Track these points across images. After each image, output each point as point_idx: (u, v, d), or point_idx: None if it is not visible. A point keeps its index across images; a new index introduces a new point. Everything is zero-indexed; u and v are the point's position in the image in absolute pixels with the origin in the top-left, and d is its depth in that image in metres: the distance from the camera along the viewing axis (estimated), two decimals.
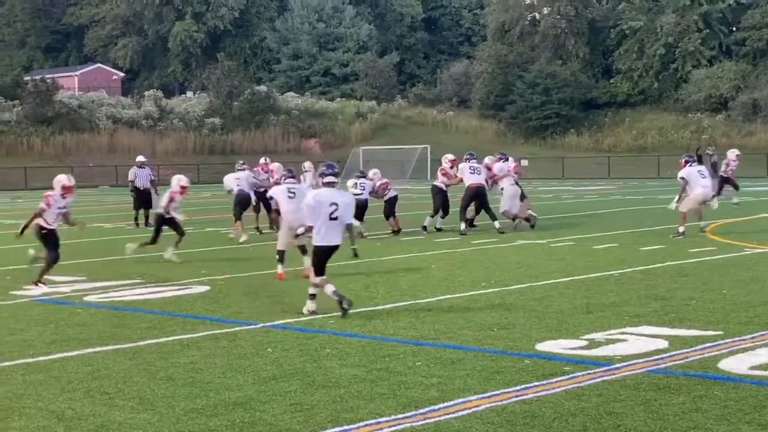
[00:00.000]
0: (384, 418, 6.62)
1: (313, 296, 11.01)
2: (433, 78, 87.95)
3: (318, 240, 11.01)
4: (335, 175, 11.27)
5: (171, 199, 17.27)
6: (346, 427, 6.46)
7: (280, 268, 14.30)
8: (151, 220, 24.61)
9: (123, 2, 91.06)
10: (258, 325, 10.36)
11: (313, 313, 10.88)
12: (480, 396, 7.14)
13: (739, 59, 72.60)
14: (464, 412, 6.75)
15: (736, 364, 7.97)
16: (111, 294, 13.05)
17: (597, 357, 8.41)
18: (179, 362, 8.63)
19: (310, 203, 11.01)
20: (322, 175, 11.33)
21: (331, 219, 10.89)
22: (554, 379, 7.59)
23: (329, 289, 10.83)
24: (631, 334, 9.37)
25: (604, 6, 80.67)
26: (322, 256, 11.05)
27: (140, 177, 25.76)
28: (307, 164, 24.42)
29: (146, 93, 78.06)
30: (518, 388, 7.36)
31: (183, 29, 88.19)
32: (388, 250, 18.08)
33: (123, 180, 27.83)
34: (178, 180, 17.53)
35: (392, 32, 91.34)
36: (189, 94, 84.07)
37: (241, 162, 23.30)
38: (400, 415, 6.68)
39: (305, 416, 6.76)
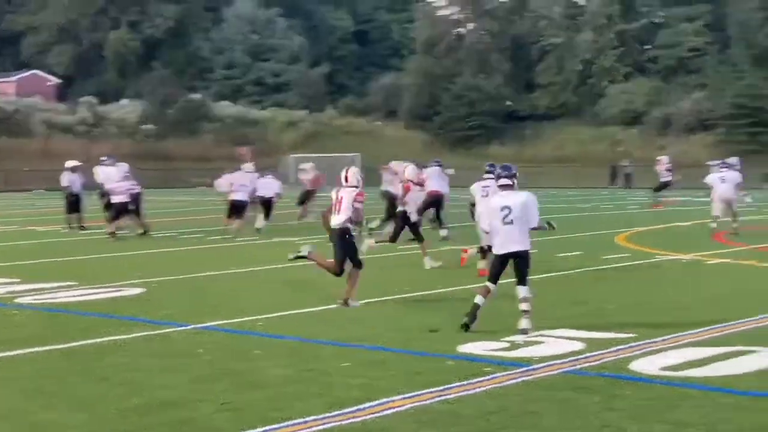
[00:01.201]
0: (312, 417, 6.60)
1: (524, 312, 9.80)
2: (362, 89, 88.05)
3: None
4: (510, 177, 10.09)
5: None
6: (275, 426, 6.43)
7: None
8: (85, 224, 24.42)
9: (59, 10, 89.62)
10: (190, 327, 10.27)
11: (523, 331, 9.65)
12: (404, 396, 7.15)
13: (652, 76, 73.91)
14: (389, 412, 6.76)
15: (648, 365, 8.10)
16: (45, 296, 12.81)
17: (517, 358, 8.48)
18: (113, 363, 8.52)
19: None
20: (497, 177, 10.24)
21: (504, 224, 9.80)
22: (475, 380, 7.64)
23: None
24: (550, 336, 9.47)
25: (527, 23, 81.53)
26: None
27: (74, 182, 25.37)
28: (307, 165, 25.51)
29: (81, 99, 76.89)
30: (441, 388, 7.39)
31: (118, 37, 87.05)
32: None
33: (57, 184, 27.41)
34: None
35: (324, 44, 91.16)
36: (125, 101, 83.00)
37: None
38: (327, 414, 6.67)
39: (235, 415, 6.72)
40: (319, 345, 9.24)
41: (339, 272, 11.83)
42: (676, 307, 11.27)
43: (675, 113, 68.47)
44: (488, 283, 10.03)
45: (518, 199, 9.88)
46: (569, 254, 17.46)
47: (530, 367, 8.08)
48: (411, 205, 16.32)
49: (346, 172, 12.46)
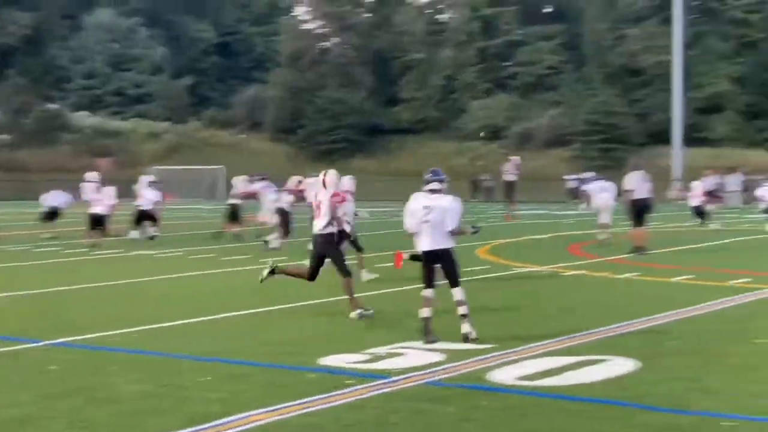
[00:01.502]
0: None
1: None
2: (226, 101, 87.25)
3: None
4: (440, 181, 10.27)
5: None
6: None
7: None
8: None
9: None
10: (41, 343, 9.93)
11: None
12: (265, 410, 7.08)
13: (512, 92, 75.61)
14: (249, 426, 6.68)
15: (504, 375, 8.23)
16: None
17: (378, 370, 8.50)
18: None
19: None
20: (426, 181, 10.28)
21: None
22: (336, 392, 7.62)
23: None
24: (411, 348, 9.53)
25: (390, 38, 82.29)
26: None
27: None
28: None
29: None
30: (302, 401, 7.34)
31: None
32: (180, 267, 17.72)
33: None
34: None
35: (186, 55, 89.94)
36: None
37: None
38: (184, 430, 6.54)
39: None
40: (179, 360, 9.08)
41: (312, 278, 11.85)
42: (533, 318, 11.51)
43: (533, 128, 70.20)
44: (423, 293, 10.14)
45: (441, 202, 10.12)
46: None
47: (390, 379, 8.11)
48: (348, 217, 16.09)
49: (324, 175, 12.25)
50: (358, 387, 7.82)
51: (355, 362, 8.87)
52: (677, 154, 55.34)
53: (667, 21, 64.99)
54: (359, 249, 15.82)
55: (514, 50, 76.75)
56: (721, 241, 23.54)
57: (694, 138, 63.88)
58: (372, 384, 7.93)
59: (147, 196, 25.04)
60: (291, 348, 9.60)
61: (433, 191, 10.22)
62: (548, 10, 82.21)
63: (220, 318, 11.59)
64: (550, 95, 73.56)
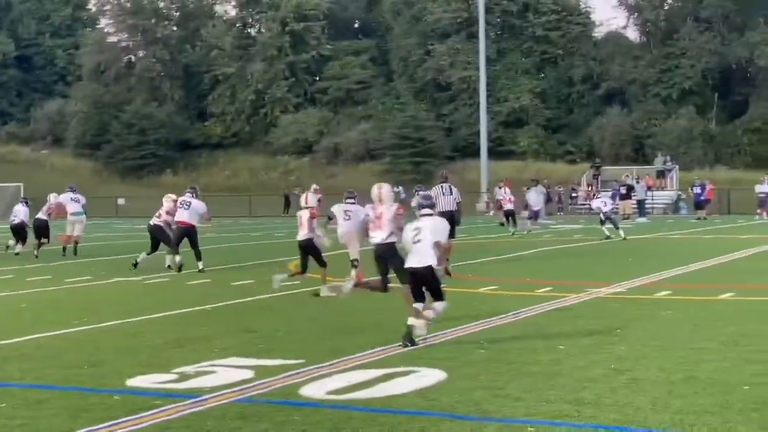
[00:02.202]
0: None
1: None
2: (26, 116, 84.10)
3: None
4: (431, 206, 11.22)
5: None
6: None
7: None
8: None
9: None
10: None
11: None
12: None
13: (322, 106, 76.14)
14: None
15: (315, 390, 8.26)
16: None
17: (186, 389, 8.38)
18: None
19: None
20: (420, 206, 11.11)
21: None
22: (143, 414, 7.46)
23: None
24: (220, 365, 9.44)
25: (199, 52, 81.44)
26: None
27: None
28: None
29: None
30: (107, 424, 7.15)
31: None
32: None
33: None
34: None
35: None
36: None
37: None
38: None
39: None
40: None
41: (386, 286, 13.08)
42: (343, 331, 11.59)
43: (343, 143, 70.88)
44: (414, 305, 10.66)
45: (430, 223, 10.93)
46: (242, 283, 17.56)
47: (200, 398, 8.00)
48: (318, 231, 16.19)
49: (379, 190, 13.08)
50: (167, 407, 7.68)
51: (162, 382, 8.71)
52: (484, 166, 57.01)
53: (471, 37, 67.09)
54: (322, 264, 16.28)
55: (324, 65, 77.37)
56: (525, 252, 24.40)
57: (499, 151, 66.10)
58: (181, 404, 7.80)
59: None
60: (95, 370, 9.33)
61: (425, 216, 11.04)
62: (357, 25, 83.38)
63: (21, 341, 11.14)
64: (359, 110, 74.51)
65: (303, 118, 73.96)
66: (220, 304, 14.52)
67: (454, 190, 20.87)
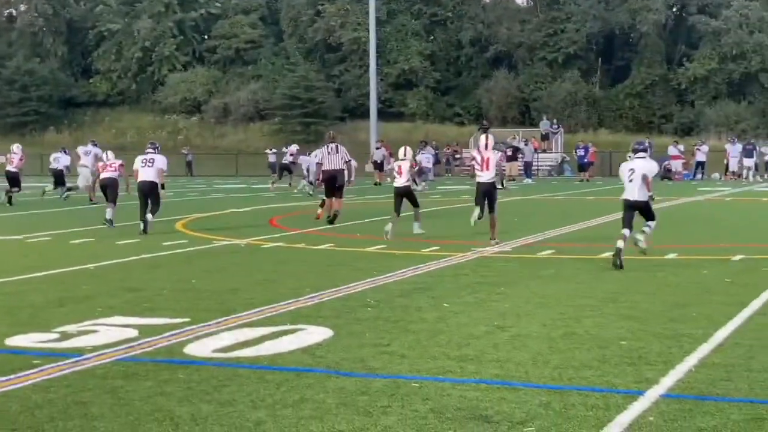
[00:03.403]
0: None
1: None
2: None
3: None
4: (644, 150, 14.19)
5: None
6: None
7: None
8: None
9: None
10: None
11: None
12: None
13: (211, 65, 75.02)
14: None
15: (201, 348, 8.20)
16: None
17: (68, 349, 8.21)
18: None
19: None
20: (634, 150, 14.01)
21: None
22: (22, 373, 7.29)
23: None
24: (103, 324, 9.28)
25: (83, 7, 79.26)
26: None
27: None
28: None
29: None
30: None
31: None
32: None
33: None
34: None
35: None
36: None
37: None
38: None
39: None
40: None
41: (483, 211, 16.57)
42: (230, 290, 11.51)
43: (233, 102, 70.04)
44: (624, 230, 13.23)
45: (641, 164, 13.57)
46: (127, 242, 17.28)
47: (82, 357, 7.86)
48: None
49: (487, 139, 16.99)
50: (47, 366, 7.52)
51: (43, 341, 8.52)
52: (373, 128, 57.08)
53: None
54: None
55: (213, 23, 76.17)
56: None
57: (388, 113, 66.25)
58: (62, 363, 7.65)
59: None
60: None
61: (639, 157, 13.74)
62: None
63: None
64: (249, 69, 73.67)
65: (192, 77, 72.78)
66: (105, 263, 14.25)
67: (341, 149, 21.11)
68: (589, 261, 14.17)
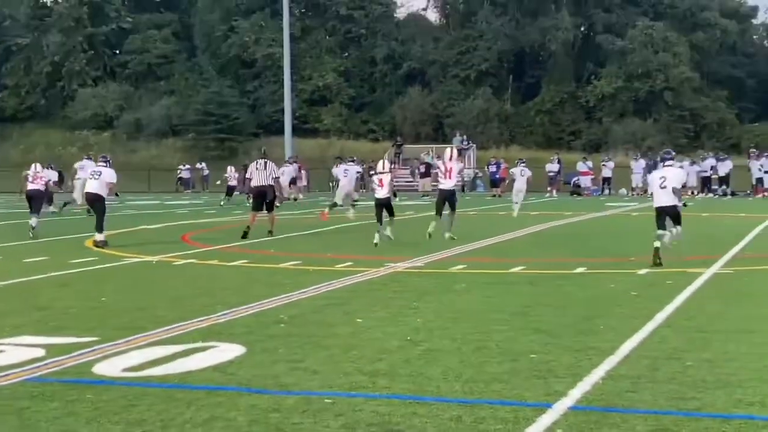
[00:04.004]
0: None
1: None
2: None
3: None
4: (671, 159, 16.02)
5: None
6: None
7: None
8: None
9: None
10: None
11: None
12: None
13: (123, 81, 74.07)
14: None
15: (110, 368, 8.04)
16: None
17: None
18: None
19: None
20: (662, 159, 15.99)
21: None
22: None
23: None
24: (10, 344, 9.06)
25: None
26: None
27: None
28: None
29: None
30: None
31: None
32: None
33: None
34: None
35: None
36: None
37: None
38: None
39: None
40: None
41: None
42: (141, 308, 11.33)
43: (145, 118, 69.26)
44: (658, 231, 15.09)
45: (671, 172, 15.35)
46: (35, 259, 16.92)
47: None
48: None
49: (452, 151, 20.07)
50: None
51: None
52: (288, 144, 56.93)
53: (276, 14, 66.74)
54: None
55: (124, 38, 75.28)
56: (329, 227, 24.57)
57: (303, 129, 66.20)
58: None
59: None
60: None
61: (667, 166, 15.54)
62: None
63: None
64: (162, 85, 72.95)
65: (103, 92, 71.77)
66: (12, 281, 13.93)
67: (270, 165, 22.09)
68: (500, 275, 14.31)
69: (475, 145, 58.93)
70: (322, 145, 64.54)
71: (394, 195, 20.73)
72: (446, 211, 19.49)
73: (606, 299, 11.73)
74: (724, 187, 45.43)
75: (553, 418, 6.40)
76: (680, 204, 15.59)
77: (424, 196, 43.15)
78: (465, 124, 63.67)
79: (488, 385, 7.30)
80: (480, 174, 54.47)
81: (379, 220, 19.25)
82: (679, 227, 15.35)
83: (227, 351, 8.67)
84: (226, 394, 7.14)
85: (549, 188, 47.79)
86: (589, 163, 49.70)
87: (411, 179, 54.72)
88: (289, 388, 7.31)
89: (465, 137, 58.97)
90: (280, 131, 60.46)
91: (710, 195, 45.00)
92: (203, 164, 58.99)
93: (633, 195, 46.37)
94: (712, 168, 46.72)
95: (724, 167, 46.03)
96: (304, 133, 65.52)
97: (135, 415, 6.56)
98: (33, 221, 21.62)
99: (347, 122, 69.11)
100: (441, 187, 19.85)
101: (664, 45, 64.82)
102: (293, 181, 45.29)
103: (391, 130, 67.45)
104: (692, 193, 45.80)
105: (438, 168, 20.30)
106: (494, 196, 45.01)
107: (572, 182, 49.11)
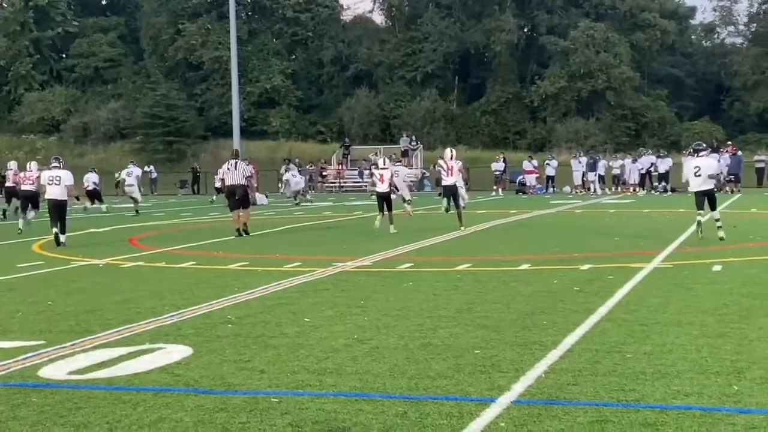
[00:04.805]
0: None
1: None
2: None
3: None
4: (705, 150, 18.71)
5: None
6: None
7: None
8: None
9: None
10: None
11: None
12: None
13: (69, 84, 73.22)
14: None
15: (56, 371, 7.95)
16: None
17: None
18: None
19: None
20: (695, 151, 18.49)
21: None
22: None
23: None
24: None
25: None
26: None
27: None
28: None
29: None
30: None
31: None
32: None
33: None
34: None
35: None
36: None
37: None
38: None
39: None
40: None
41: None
42: (88, 311, 11.21)
43: (93, 121, 68.55)
44: (700, 211, 17.63)
45: (705, 161, 17.93)
46: None
47: None
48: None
49: (452, 152, 22.43)
50: None
51: None
52: (237, 146, 56.60)
53: (222, 17, 66.40)
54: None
55: (70, 42, 74.46)
56: (276, 228, 24.50)
57: (252, 131, 65.95)
58: None
59: None
60: None
61: (700, 156, 18.11)
62: (104, 2, 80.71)
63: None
64: (109, 88, 72.27)
65: (49, 96, 70.95)
66: None
67: (240, 165, 22.57)
68: (446, 273, 14.35)
69: (422, 146, 59.10)
70: (271, 146, 64.31)
71: (396, 189, 23.96)
72: (453, 211, 22.12)
73: (549, 295, 11.82)
74: (664, 183, 46.01)
75: (497, 412, 6.44)
76: (716, 187, 18.64)
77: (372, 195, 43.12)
78: (412, 125, 63.85)
79: (433, 381, 7.33)
80: (427, 174, 54.64)
81: (381, 210, 22.14)
82: (717, 213, 17.95)
83: (174, 352, 8.61)
84: (173, 395, 7.09)
85: (495, 187, 48.10)
86: (534, 162, 50.07)
87: (359, 180, 54.77)
88: (235, 387, 7.28)
89: (412, 138, 59.12)
90: (229, 133, 60.15)
91: (651, 192, 45.58)
92: (151, 167, 58.50)
93: (576, 193, 46.79)
94: (652, 165, 47.32)
95: (664, 164, 46.63)
96: (253, 135, 65.28)
97: (81, 418, 6.49)
98: (31, 215, 23.47)
99: (295, 124, 68.97)
100: (444, 183, 22.43)
101: (605, 45, 65.53)
102: None
103: (339, 131, 67.47)
104: (633, 190, 46.36)
105: (441, 167, 22.60)
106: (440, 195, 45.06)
107: (518, 181, 49.45)
